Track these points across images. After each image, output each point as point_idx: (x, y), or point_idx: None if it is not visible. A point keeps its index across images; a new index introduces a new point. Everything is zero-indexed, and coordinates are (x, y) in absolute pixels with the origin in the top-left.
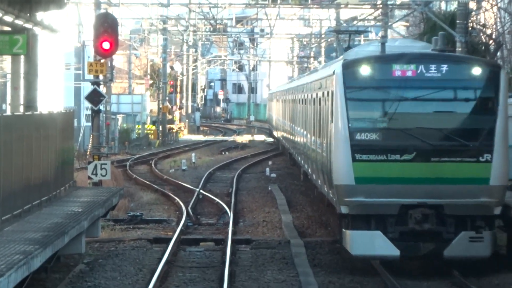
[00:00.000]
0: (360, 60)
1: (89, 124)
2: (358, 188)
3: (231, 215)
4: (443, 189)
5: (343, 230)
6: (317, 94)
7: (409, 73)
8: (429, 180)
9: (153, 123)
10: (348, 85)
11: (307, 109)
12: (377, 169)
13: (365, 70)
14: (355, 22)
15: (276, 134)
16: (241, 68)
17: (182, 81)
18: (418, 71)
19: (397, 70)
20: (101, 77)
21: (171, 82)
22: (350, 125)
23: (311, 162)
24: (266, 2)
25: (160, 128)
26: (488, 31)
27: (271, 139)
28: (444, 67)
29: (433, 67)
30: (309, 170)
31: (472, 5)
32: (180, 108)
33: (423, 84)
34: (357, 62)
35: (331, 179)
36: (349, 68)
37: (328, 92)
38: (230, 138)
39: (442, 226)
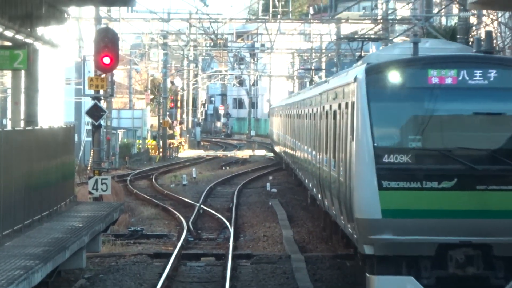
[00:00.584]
0: (388, 64)
1: (90, 139)
2: (385, 223)
3: (231, 230)
4: (492, 225)
5: (367, 275)
6: (330, 107)
7: (448, 80)
8: (474, 213)
9: (154, 138)
10: (373, 94)
11: (316, 124)
12: (409, 200)
13: (394, 76)
14: (355, 37)
15: (279, 149)
16: (241, 83)
17: (182, 96)
18: (460, 78)
19: (434, 76)
20: (101, 92)
21: (172, 97)
22: (375, 144)
23: (322, 186)
24: (267, 17)
25: (161, 143)
26: None
27: (271, 154)
28: (493, 73)
29: (478, 72)
30: (319, 195)
31: (473, 20)
32: (181, 123)
33: (466, 94)
34: (384, 66)
35: (351, 211)
36: (374, 73)
37: (346, 104)
38: (231, 153)
39: (490, 271)
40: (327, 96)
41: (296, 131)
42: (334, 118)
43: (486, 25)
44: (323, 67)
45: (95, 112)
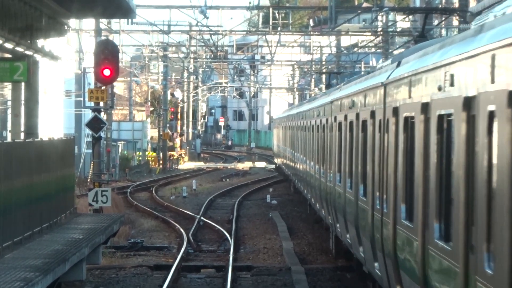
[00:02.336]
0: None
1: (90, 151)
2: None
3: (232, 241)
4: None
5: None
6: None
7: None
8: None
9: (154, 150)
10: None
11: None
12: None
13: None
14: (355, 49)
15: (281, 163)
16: (241, 95)
17: (182, 108)
18: None
19: None
20: (101, 104)
21: (172, 109)
22: None
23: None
24: (267, 29)
25: (161, 155)
26: None
27: (272, 166)
28: None
29: None
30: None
31: None
32: (181, 135)
33: None
34: None
35: None
36: None
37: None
38: (231, 165)
39: None
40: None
41: (317, 147)
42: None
43: None
44: (324, 79)
45: (95, 124)
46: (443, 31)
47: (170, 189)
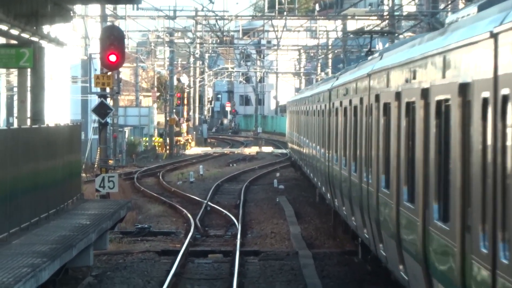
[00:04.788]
0: None
1: (96, 137)
2: None
3: (239, 226)
4: None
5: None
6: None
7: None
8: None
9: (160, 135)
10: None
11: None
12: None
13: None
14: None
15: (298, 158)
16: (248, 80)
17: (189, 93)
18: None
19: None
20: (108, 90)
21: (178, 95)
22: None
23: None
24: (273, 14)
25: (168, 141)
26: None
27: (278, 151)
28: None
29: None
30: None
31: None
32: (188, 120)
33: None
34: None
35: None
36: None
37: None
38: (238, 150)
39: None
40: None
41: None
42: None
43: None
44: (330, 64)
45: (102, 110)
46: (450, 14)
47: (177, 175)
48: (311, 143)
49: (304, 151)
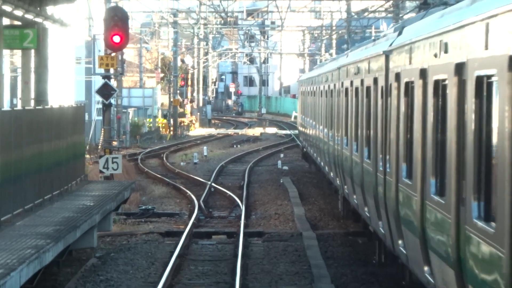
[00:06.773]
0: None
1: (100, 118)
2: None
3: (243, 208)
4: None
5: None
6: None
7: None
8: None
9: (164, 116)
10: None
11: None
12: None
13: None
14: (366, 14)
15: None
16: (252, 61)
17: (193, 74)
18: None
19: None
20: (112, 71)
21: (182, 76)
22: None
23: None
24: None
25: (172, 122)
26: None
27: (282, 132)
28: None
29: None
30: None
31: None
32: (191, 101)
33: None
34: None
35: None
36: None
37: None
38: (242, 131)
39: None
40: None
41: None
42: None
43: None
44: (334, 45)
45: (106, 91)
46: None
47: (181, 156)
48: (337, 135)
49: (324, 146)
